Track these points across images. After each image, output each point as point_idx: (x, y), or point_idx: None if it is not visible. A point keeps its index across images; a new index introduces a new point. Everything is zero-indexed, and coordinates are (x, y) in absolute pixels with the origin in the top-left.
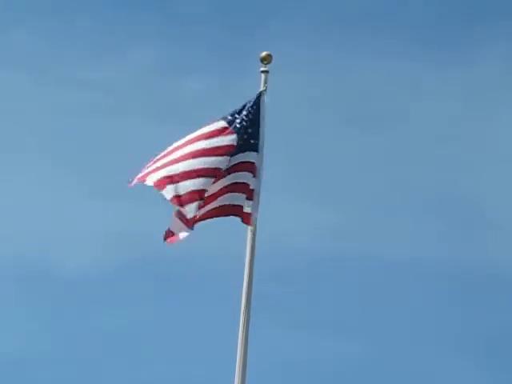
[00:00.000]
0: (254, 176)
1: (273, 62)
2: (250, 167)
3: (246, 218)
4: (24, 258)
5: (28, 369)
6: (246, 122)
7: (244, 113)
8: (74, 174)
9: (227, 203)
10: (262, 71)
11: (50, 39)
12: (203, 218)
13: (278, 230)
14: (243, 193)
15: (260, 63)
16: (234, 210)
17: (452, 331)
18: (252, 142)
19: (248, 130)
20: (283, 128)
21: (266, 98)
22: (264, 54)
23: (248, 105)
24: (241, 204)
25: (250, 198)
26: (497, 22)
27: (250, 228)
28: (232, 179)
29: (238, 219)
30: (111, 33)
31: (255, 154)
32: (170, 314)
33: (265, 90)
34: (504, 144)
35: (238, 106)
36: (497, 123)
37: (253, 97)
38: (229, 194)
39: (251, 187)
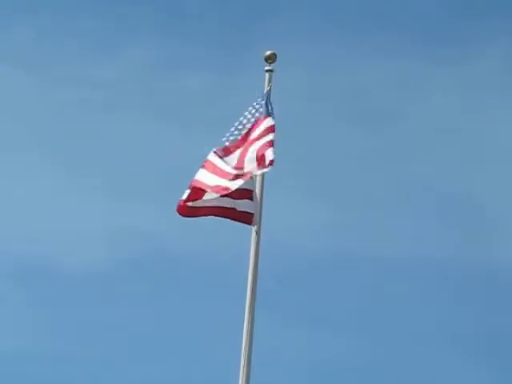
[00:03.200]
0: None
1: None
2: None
3: (249, 219)
4: (25, 256)
5: (30, 367)
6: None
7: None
8: (74, 172)
9: (238, 209)
10: (267, 70)
11: (48, 37)
12: (207, 213)
13: (278, 228)
14: (250, 199)
15: (263, 62)
16: (243, 217)
17: (452, 330)
18: None
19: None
20: (283, 125)
21: (270, 97)
22: (269, 53)
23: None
24: (250, 211)
25: (248, 197)
26: (498, 19)
27: (254, 228)
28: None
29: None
30: (110, 30)
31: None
32: (174, 312)
33: (270, 89)
34: (505, 142)
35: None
36: (498, 121)
37: (259, 94)
38: (239, 201)
39: (249, 187)
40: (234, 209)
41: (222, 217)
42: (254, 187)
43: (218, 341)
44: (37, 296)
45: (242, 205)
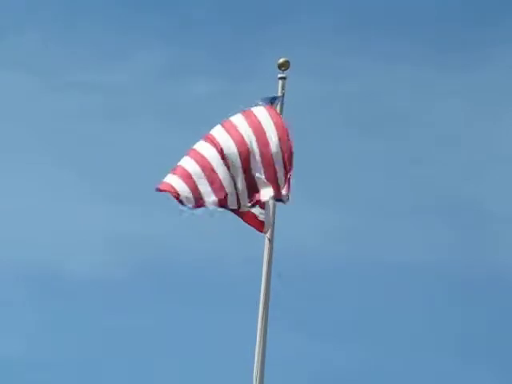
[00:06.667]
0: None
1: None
2: None
3: (260, 226)
4: (28, 260)
5: (33, 371)
6: None
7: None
8: (79, 177)
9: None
10: (280, 78)
11: (54, 42)
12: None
13: (287, 233)
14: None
15: (273, 67)
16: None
17: (457, 334)
18: None
19: None
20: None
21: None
22: (282, 60)
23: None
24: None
25: (262, 206)
26: (502, 25)
27: (267, 235)
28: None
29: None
30: (116, 36)
31: None
32: (180, 319)
33: (282, 97)
34: (507, 146)
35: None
36: (500, 125)
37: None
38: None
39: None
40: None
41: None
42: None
43: (229, 349)
44: (38, 301)
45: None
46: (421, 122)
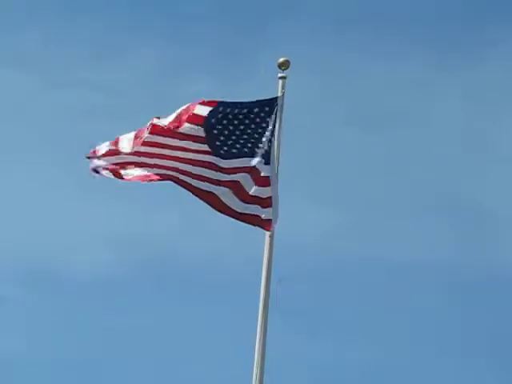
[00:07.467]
0: (264, 185)
1: (276, 62)
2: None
3: (267, 225)
4: (29, 260)
5: (33, 370)
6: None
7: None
8: (79, 177)
9: (242, 211)
10: (280, 77)
11: (54, 41)
12: (207, 199)
13: (287, 231)
14: (258, 204)
15: (272, 65)
16: (249, 219)
17: (457, 334)
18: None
19: (262, 139)
20: (292, 129)
21: (283, 104)
22: (282, 60)
23: (263, 113)
24: (257, 214)
25: (267, 205)
26: (501, 24)
27: (267, 233)
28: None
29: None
30: (116, 34)
31: (267, 166)
32: (182, 318)
33: (282, 96)
34: (507, 146)
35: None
36: (500, 125)
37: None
38: (240, 202)
39: (267, 195)
40: (251, 214)
41: (231, 216)
42: (275, 192)
43: (229, 347)
44: (39, 300)
45: (259, 210)
46: (421, 121)
